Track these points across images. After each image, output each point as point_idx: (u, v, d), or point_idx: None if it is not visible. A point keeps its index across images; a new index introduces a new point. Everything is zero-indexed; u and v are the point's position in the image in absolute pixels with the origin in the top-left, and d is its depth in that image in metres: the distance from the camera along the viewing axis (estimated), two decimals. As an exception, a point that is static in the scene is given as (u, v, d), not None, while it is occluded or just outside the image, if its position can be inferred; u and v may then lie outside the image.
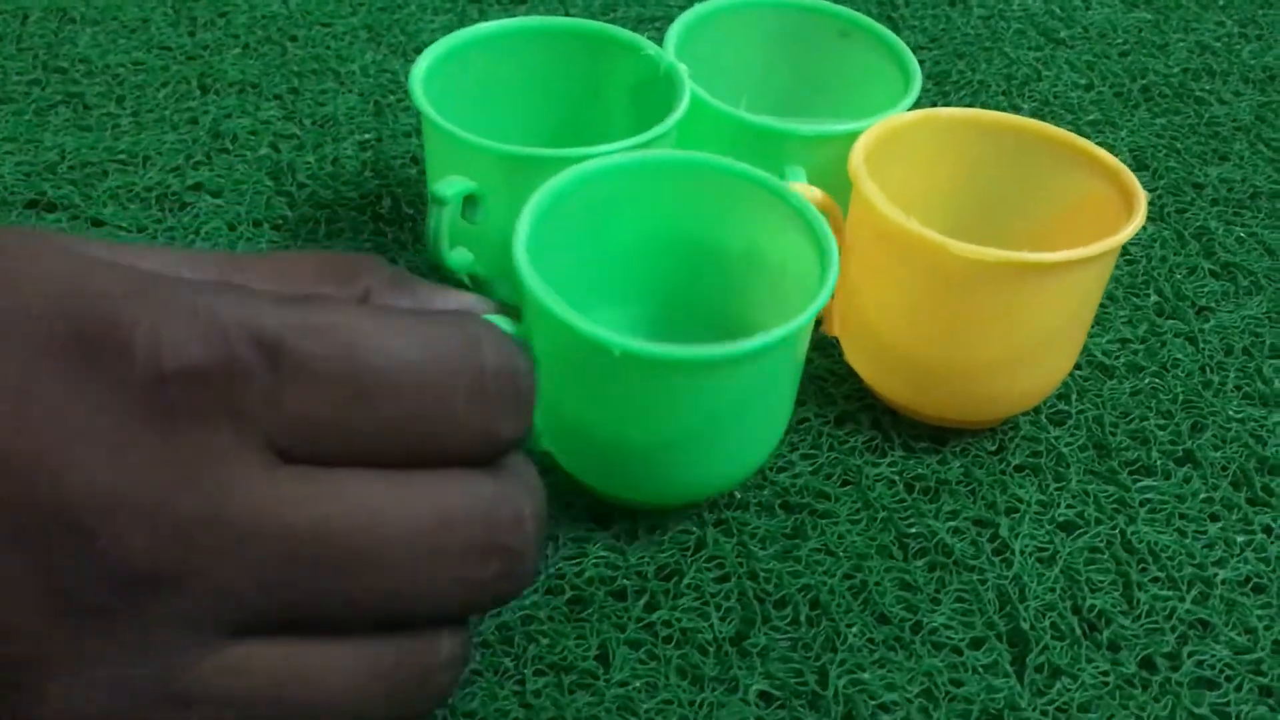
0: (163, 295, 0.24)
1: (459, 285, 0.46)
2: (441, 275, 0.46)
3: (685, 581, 0.39)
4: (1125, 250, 0.54)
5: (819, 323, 0.44)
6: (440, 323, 0.26)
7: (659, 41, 0.48)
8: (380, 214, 0.53)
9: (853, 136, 0.43)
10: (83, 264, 0.24)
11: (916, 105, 0.47)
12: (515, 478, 0.28)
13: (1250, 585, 0.40)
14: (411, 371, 0.25)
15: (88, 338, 0.23)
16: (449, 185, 0.42)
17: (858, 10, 0.52)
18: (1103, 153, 0.43)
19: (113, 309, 0.23)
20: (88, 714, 0.24)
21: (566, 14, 0.69)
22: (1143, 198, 0.41)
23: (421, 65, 0.44)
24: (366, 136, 0.57)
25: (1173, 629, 0.39)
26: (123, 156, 0.54)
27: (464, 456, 0.27)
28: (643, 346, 0.33)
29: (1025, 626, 0.38)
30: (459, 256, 0.44)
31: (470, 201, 0.43)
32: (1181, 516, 0.42)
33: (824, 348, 0.47)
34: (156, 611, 0.23)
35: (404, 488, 0.25)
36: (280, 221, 0.52)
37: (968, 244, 0.38)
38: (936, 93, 0.65)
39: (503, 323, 0.33)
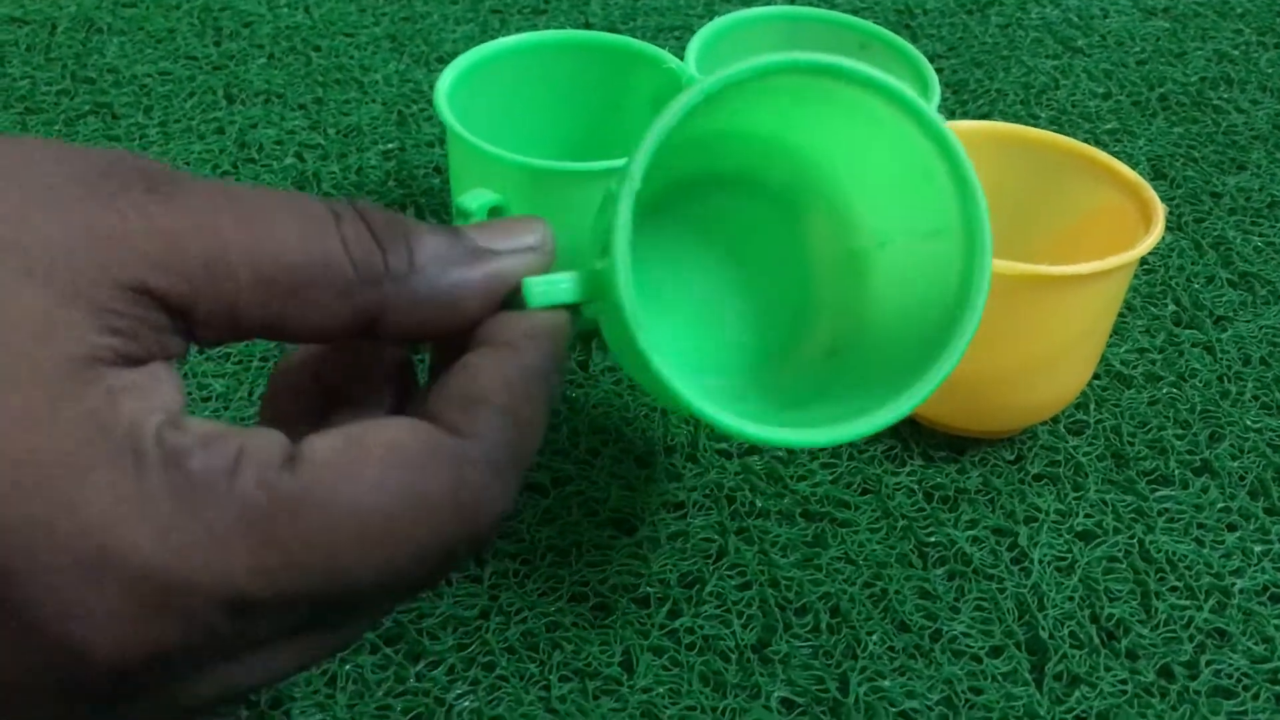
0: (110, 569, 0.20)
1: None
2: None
3: (707, 589, 0.39)
4: (1143, 260, 0.54)
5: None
6: (439, 503, 0.23)
7: (679, 52, 0.49)
8: (404, 223, 0.53)
9: (872, 148, 0.44)
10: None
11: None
12: None
13: (1268, 595, 0.41)
14: (398, 576, 0.23)
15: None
16: (474, 198, 0.42)
17: (876, 18, 0.52)
18: (1120, 165, 0.43)
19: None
20: None
21: (586, 23, 0.69)
22: (1160, 211, 0.41)
23: (446, 79, 0.45)
24: (390, 146, 0.58)
25: (1190, 638, 0.39)
26: (151, 167, 0.55)
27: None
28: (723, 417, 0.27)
29: (1044, 635, 0.39)
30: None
31: (495, 214, 0.43)
32: (1199, 526, 0.43)
33: (843, 357, 0.48)
34: None
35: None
36: (306, 231, 0.52)
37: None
38: (954, 101, 0.65)
39: (563, 284, 0.27)
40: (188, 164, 0.56)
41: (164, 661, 0.21)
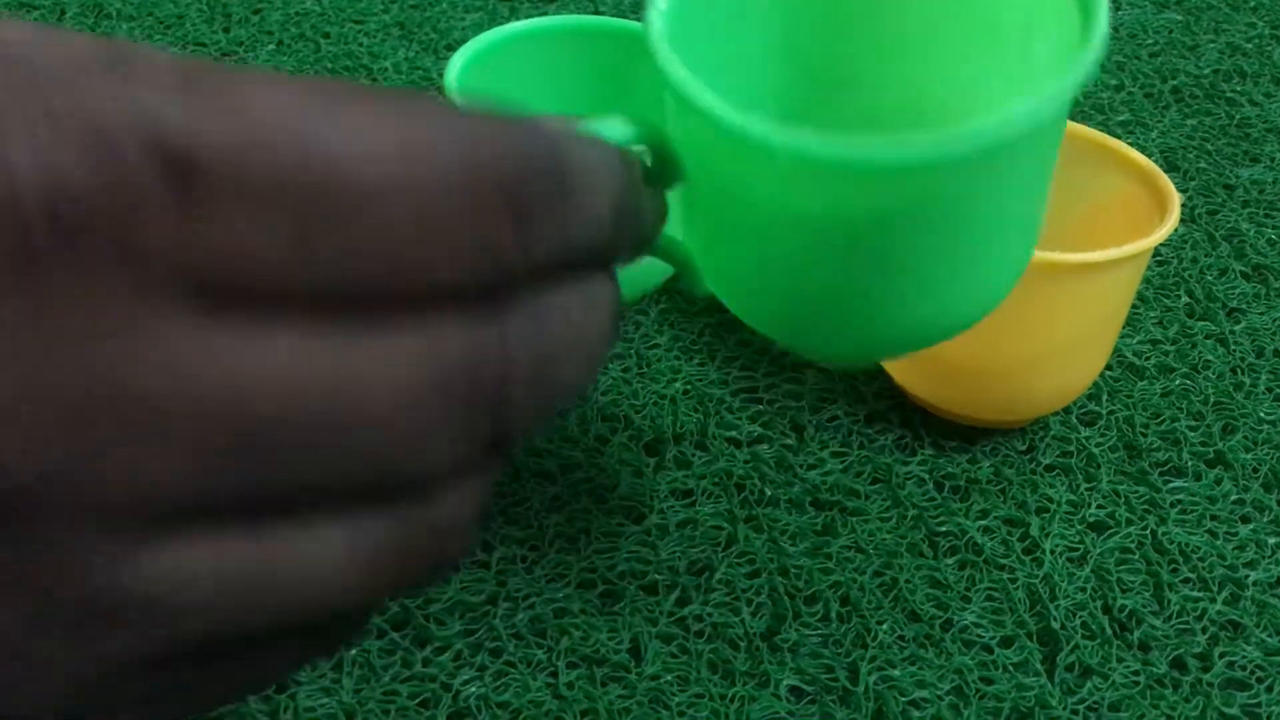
0: (15, 86, 0.16)
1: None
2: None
3: (716, 577, 0.39)
4: (1156, 251, 0.54)
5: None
6: (426, 109, 0.18)
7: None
8: (413, 210, 0.53)
9: (885, 136, 0.43)
10: None
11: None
12: (543, 314, 0.20)
13: (1281, 587, 0.40)
14: (384, 181, 0.17)
15: None
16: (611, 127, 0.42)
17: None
18: (1135, 153, 0.43)
19: None
20: None
21: (596, 9, 0.69)
22: (1176, 199, 0.41)
23: (455, 64, 0.45)
24: (399, 133, 0.58)
25: (1204, 630, 0.39)
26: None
27: (466, 288, 0.19)
28: (824, 144, 0.22)
29: (1056, 626, 0.38)
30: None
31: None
32: (1213, 518, 0.42)
33: (854, 346, 0.48)
34: (50, 527, 0.17)
35: (372, 338, 0.18)
36: (314, 217, 0.52)
37: (1001, 243, 0.38)
38: (966, 93, 0.65)
39: (615, 128, 0.24)
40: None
41: (84, 213, 0.16)
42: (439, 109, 0.18)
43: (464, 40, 0.46)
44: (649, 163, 0.25)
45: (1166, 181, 0.42)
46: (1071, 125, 0.45)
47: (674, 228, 0.27)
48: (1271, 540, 0.42)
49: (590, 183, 0.20)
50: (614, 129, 0.24)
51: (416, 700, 0.35)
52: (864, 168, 0.23)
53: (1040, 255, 0.38)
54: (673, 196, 0.26)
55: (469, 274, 0.18)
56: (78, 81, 0.17)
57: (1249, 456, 0.45)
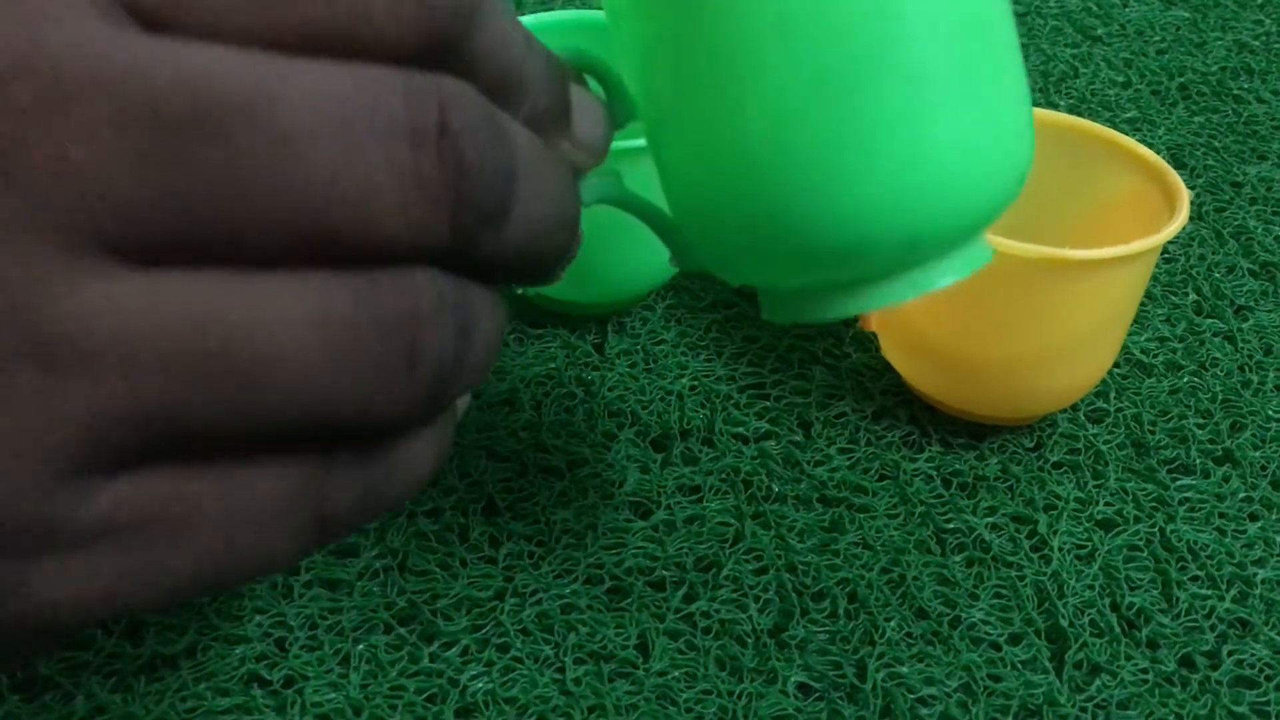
0: None
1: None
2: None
3: (724, 573, 0.39)
4: (1164, 249, 0.54)
5: (856, 318, 0.44)
6: (388, 76, 0.18)
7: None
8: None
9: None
10: None
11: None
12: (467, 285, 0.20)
13: (1290, 585, 0.40)
14: (297, 132, 0.17)
15: None
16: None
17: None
18: (1144, 150, 0.43)
19: None
20: None
21: (599, 7, 0.69)
22: (1185, 196, 0.41)
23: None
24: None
25: (1212, 628, 0.39)
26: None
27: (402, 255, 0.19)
28: None
29: (1064, 623, 0.38)
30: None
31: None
32: (1221, 516, 0.42)
33: (862, 343, 0.48)
34: None
35: (296, 283, 0.18)
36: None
37: (1009, 240, 0.38)
38: (973, 89, 0.65)
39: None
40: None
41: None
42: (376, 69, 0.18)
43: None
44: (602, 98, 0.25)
45: (1176, 178, 0.42)
46: (1079, 122, 0.44)
47: (657, 199, 0.27)
48: (1280, 538, 0.42)
49: (536, 197, 0.20)
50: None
51: (424, 695, 0.35)
52: None
53: (1050, 251, 0.38)
54: (644, 131, 0.27)
55: (394, 244, 0.18)
56: None
57: (1257, 454, 0.45)
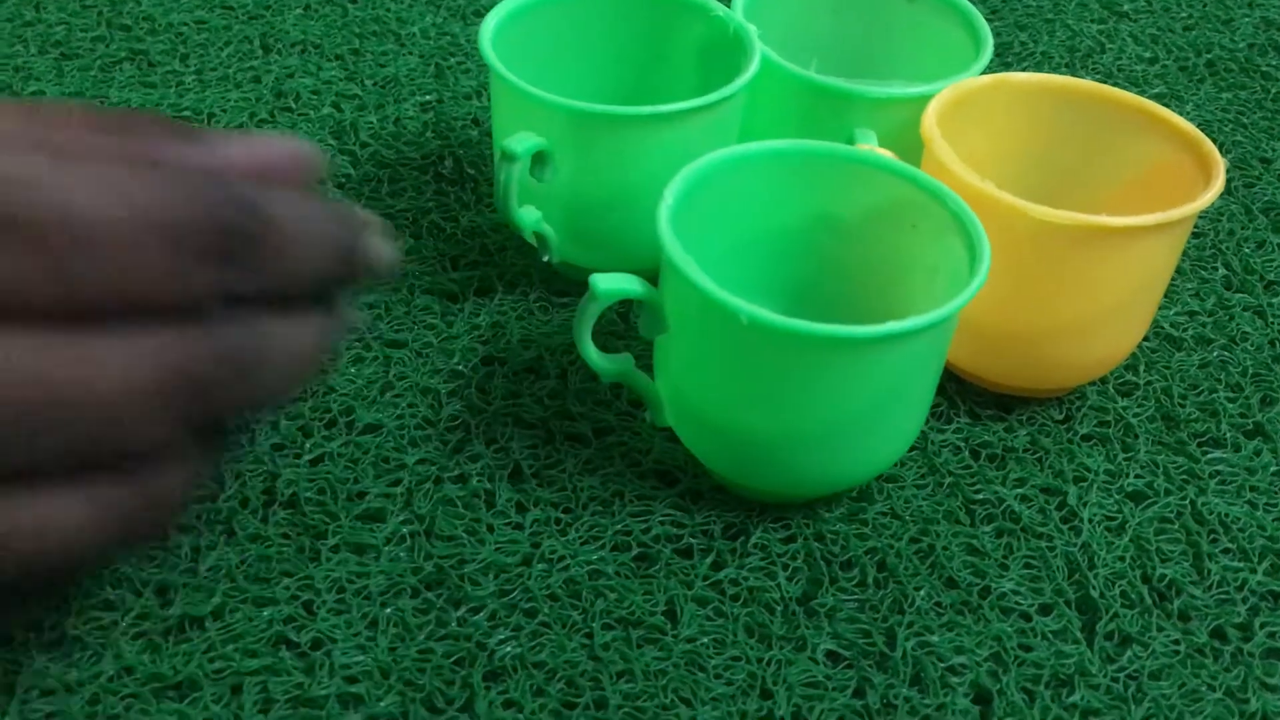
0: None
1: (527, 243, 0.46)
2: (509, 233, 0.46)
3: (752, 541, 0.39)
4: (1193, 225, 0.53)
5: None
6: (159, 175, 0.23)
7: (727, 2, 0.48)
8: (442, 174, 0.53)
9: (922, 100, 0.43)
10: None
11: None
12: (244, 330, 0.24)
13: (1322, 559, 0.40)
14: (86, 221, 0.21)
15: None
16: (519, 141, 0.41)
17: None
18: (1179, 119, 0.42)
19: None
20: None
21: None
22: (1220, 165, 0.40)
23: (490, 23, 0.44)
24: (428, 98, 0.57)
25: (1244, 600, 0.38)
26: (187, 113, 0.55)
27: (169, 306, 0.23)
28: (774, 318, 0.33)
29: (1095, 594, 0.38)
30: (528, 214, 0.44)
31: (539, 159, 0.43)
32: (1252, 489, 0.42)
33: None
34: None
35: (88, 341, 0.22)
36: (343, 180, 0.52)
37: (1043, 206, 0.38)
38: (999, 64, 0.64)
39: (625, 282, 0.36)
40: (224, 111, 0.55)
41: None
42: (172, 173, 0.23)
43: (492, 7, 0.46)
44: (644, 315, 0.37)
45: (1211, 147, 0.41)
46: (1112, 91, 0.44)
47: (651, 371, 0.40)
48: (1312, 512, 0.41)
49: (292, 236, 0.24)
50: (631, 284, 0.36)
51: (452, 659, 0.35)
52: (812, 339, 0.33)
53: (1086, 218, 0.38)
54: (657, 347, 0.39)
55: (169, 295, 0.23)
56: None
57: (1289, 428, 0.44)
